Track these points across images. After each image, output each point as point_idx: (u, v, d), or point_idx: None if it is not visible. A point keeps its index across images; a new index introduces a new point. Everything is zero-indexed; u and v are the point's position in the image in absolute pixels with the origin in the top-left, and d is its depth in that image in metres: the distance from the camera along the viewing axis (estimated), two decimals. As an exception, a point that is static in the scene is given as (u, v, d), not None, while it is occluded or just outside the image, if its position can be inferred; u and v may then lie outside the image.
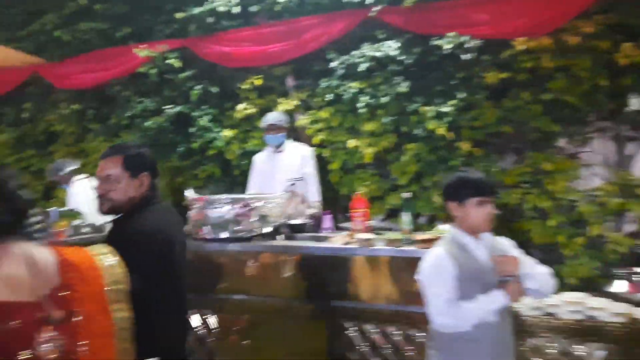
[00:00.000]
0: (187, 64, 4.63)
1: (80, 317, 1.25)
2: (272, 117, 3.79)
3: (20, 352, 1.15)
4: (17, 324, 1.15)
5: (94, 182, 4.45)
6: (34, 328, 1.17)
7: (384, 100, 3.91)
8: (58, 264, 1.28)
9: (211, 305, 3.09)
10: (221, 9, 4.43)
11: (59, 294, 1.24)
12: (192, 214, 3.28)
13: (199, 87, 4.56)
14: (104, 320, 1.30)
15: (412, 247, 2.64)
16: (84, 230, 3.86)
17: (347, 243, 2.85)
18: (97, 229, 3.91)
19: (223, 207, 3.18)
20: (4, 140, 5.53)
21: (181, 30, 4.72)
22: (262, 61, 4.43)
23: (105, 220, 4.07)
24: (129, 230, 1.86)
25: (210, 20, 4.50)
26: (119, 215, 1.96)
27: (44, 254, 1.28)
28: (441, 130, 3.73)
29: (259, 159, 3.91)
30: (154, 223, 1.90)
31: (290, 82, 4.50)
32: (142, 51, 4.59)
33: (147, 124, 4.62)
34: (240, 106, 4.47)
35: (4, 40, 5.16)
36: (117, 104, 4.97)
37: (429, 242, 2.57)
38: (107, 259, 1.38)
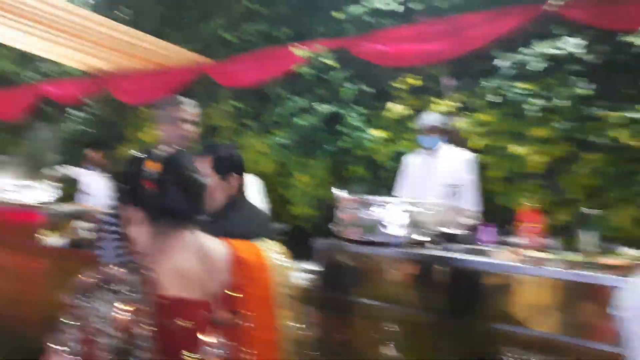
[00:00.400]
0: (342, 63, 4.59)
1: (247, 322, 1.17)
2: (429, 118, 3.59)
3: (183, 352, 1.10)
4: (185, 322, 1.09)
5: (247, 175, 4.65)
6: (201, 329, 1.10)
7: (559, 103, 3.48)
8: (230, 260, 1.22)
9: (349, 308, 2.98)
10: (380, 7, 4.33)
11: (228, 294, 1.18)
12: (341, 213, 3.20)
13: (352, 86, 4.50)
14: (270, 327, 1.21)
15: (595, 273, 2.26)
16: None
17: (513, 260, 2.54)
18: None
19: (374, 209, 3.06)
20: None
21: (338, 30, 4.71)
22: (420, 60, 4.23)
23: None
24: (217, 233, 1.80)
25: (368, 19, 4.42)
26: (205, 218, 1.95)
27: (217, 247, 1.22)
28: (629, 140, 3.21)
29: (410, 161, 3.72)
30: (242, 226, 1.84)
31: (448, 82, 4.23)
32: (299, 51, 4.66)
33: (299, 122, 4.67)
34: (393, 106, 4.32)
35: (178, 41, 5.59)
36: (272, 101, 5.11)
37: (620, 269, 2.18)
38: (278, 258, 1.30)
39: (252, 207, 2.02)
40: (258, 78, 5.10)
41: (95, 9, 6.34)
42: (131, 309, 1.05)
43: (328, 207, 4.70)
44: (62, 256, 4.09)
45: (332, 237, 3.18)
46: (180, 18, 5.93)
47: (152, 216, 1.17)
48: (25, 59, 7.77)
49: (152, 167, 1.16)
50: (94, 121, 6.98)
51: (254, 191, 4.57)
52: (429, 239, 2.93)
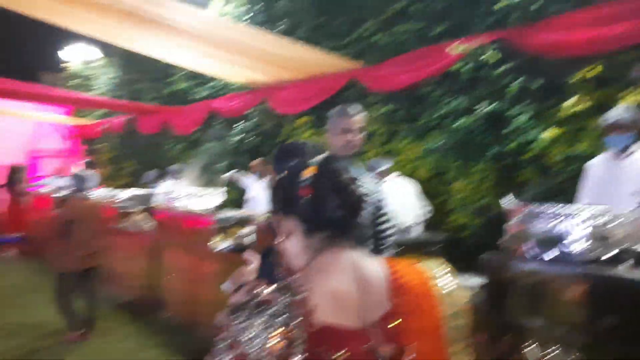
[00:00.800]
0: (505, 58, 4.19)
1: (411, 356, 1.00)
2: (616, 114, 3.06)
3: None
4: (339, 353, 0.95)
5: (403, 180, 4.46)
6: (360, 363, 0.97)
7: None
8: (390, 283, 1.06)
9: (517, 331, 2.64)
10: (549, -9, 3.86)
11: (389, 323, 1.01)
12: (510, 225, 2.86)
13: (517, 82, 4.07)
14: (438, 364, 1.02)
15: None
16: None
17: None
18: (403, 230, 3.85)
19: (550, 220, 2.68)
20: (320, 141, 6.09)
21: (500, 22, 4.31)
22: (601, 47, 3.64)
23: (414, 221, 4.01)
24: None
25: (535, 6, 3.96)
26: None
27: (375, 268, 1.07)
28: None
29: (595, 165, 3.21)
30: None
31: (638, 70, 3.60)
32: (456, 48, 4.34)
33: (456, 124, 4.37)
34: (568, 102, 3.80)
35: (330, 49, 5.63)
36: (426, 104, 4.87)
37: None
38: (445, 282, 1.10)
39: None
40: (410, 80, 4.88)
41: (251, 22, 6.70)
42: (283, 334, 0.93)
43: (491, 217, 4.32)
44: (228, 260, 4.32)
45: (499, 251, 2.88)
46: (331, 25, 5.98)
47: (306, 227, 1.06)
48: (196, 77, 8.56)
49: (306, 174, 1.05)
50: (255, 132, 7.40)
51: (408, 194, 4.40)
52: (617, 256, 2.47)
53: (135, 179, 10.51)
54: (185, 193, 6.11)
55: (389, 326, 1.00)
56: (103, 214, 5.54)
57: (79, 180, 5.38)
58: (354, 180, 1.08)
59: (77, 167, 12.17)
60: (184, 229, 5.52)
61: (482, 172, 4.36)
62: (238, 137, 7.50)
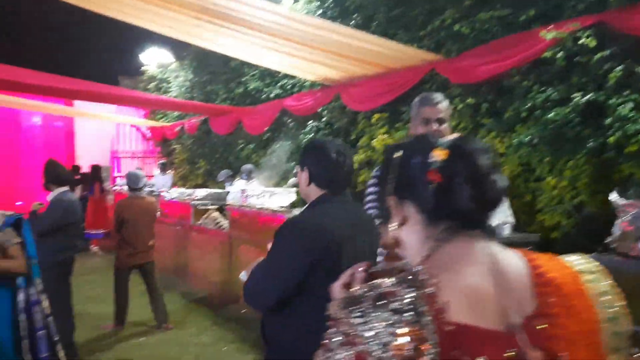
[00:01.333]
0: (604, 42, 3.83)
1: (566, 365, 0.83)
2: None
3: None
4: (479, 359, 0.81)
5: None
6: (501, 369, 0.81)
7: None
8: (533, 278, 0.89)
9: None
10: (658, -35, 3.48)
11: (536, 326, 0.85)
12: (620, 223, 2.58)
13: (618, 69, 3.71)
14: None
15: None
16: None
17: None
18: (492, 229, 3.61)
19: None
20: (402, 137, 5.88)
21: (599, 3, 3.95)
22: None
23: (501, 222, 3.74)
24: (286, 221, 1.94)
25: (639, -17, 3.59)
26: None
27: (514, 262, 0.90)
28: None
29: None
30: (307, 217, 1.94)
31: None
32: (548, 34, 4.03)
33: (549, 116, 4.05)
34: (681, 88, 3.41)
35: (407, 41, 5.44)
36: (514, 95, 4.56)
37: None
38: (596, 280, 0.92)
39: (344, 201, 1.94)
40: (495, 70, 4.60)
41: (323, 18, 6.59)
42: (411, 333, 0.79)
43: (585, 215, 3.97)
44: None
45: (605, 251, 2.61)
46: (407, 16, 5.77)
47: (427, 216, 0.92)
48: (267, 76, 8.60)
49: (437, 155, 0.91)
50: (328, 130, 7.31)
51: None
52: None
53: (208, 178, 10.75)
54: (258, 191, 6.14)
55: (537, 329, 0.84)
56: (156, 213, 5.66)
57: (132, 179, 5.48)
58: (495, 168, 0.93)
59: (134, 167, 12.60)
60: (257, 226, 5.52)
61: (576, 168, 4.01)
62: (310, 136, 7.44)
